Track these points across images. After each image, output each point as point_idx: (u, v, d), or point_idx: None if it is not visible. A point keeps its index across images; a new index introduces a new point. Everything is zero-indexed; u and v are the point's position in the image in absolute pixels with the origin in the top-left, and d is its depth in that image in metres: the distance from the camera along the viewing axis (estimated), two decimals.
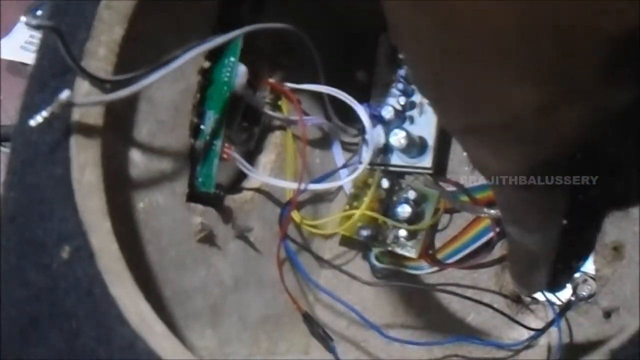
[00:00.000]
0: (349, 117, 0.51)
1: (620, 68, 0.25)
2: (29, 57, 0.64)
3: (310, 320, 0.52)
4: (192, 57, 0.40)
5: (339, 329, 0.53)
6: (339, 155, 0.54)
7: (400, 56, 0.50)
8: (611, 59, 0.24)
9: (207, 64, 0.45)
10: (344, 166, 0.53)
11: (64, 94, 0.37)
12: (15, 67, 0.68)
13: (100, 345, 0.35)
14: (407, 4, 0.26)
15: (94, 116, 0.39)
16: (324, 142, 0.54)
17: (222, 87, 0.46)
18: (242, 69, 0.46)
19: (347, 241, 0.54)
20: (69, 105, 0.37)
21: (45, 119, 0.37)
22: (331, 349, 0.51)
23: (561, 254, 0.43)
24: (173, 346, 0.34)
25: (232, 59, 0.46)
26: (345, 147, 0.54)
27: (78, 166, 0.37)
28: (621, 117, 0.28)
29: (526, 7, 0.23)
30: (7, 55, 0.71)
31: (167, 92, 0.43)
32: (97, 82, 0.38)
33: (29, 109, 0.40)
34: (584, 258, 0.48)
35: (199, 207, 0.46)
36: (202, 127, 0.45)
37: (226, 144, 0.46)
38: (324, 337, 0.52)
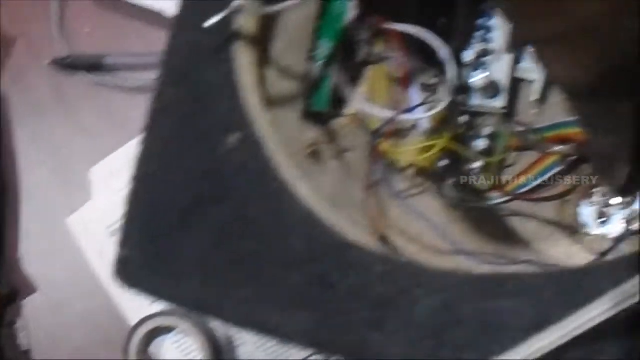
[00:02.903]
0: (429, 59, 0.56)
1: None
2: None
3: (386, 243, 0.56)
4: None
5: (410, 254, 0.58)
6: (416, 94, 0.58)
7: None
8: None
9: None
10: (424, 103, 0.57)
11: (236, 2, 0.41)
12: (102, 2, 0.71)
13: (272, 218, 0.39)
14: None
15: (251, 25, 0.43)
16: (404, 82, 0.58)
17: (336, 18, 0.50)
18: (352, 2, 0.51)
19: (422, 173, 0.59)
20: (239, 10, 0.41)
21: (217, 21, 0.41)
22: None
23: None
24: (340, 220, 0.38)
25: None
26: (422, 87, 0.59)
27: (240, 66, 0.42)
28: None
29: None
30: None
31: (295, 16, 0.48)
32: None
33: (186, 19, 0.44)
34: None
35: (311, 124, 0.50)
36: (316, 52, 0.50)
37: None
38: None
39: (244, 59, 0.42)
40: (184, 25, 0.45)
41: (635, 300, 0.30)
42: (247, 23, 0.42)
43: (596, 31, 0.31)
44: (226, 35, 0.42)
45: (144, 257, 0.42)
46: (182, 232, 0.41)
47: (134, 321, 0.64)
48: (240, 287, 0.39)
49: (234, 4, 0.41)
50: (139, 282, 0.42)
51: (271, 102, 0.47)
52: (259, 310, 0.38)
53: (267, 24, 0.46)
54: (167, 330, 0.63)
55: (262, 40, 0.45)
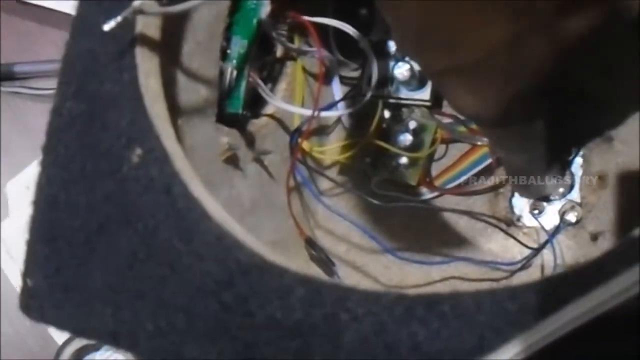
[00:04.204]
0: (349, 52, 0.54)
1: (571, 3, 0.29)
2: None
3: (312, 245, 0.54)
4: None
5: (339, 254, 0.56)
6: (337, 88, 0.56)
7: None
8: None
9: None
10: (346, 97, 0.55)
11: (137, 2, 0.38)
12: (9, 6, 0.67)
13: (183, 241, 0.36)
14: None
15: (154, 28, 0.40)
16: (324, 77, 0.56)
17: (250, 14, 0.47)
18: None
19: (346, 171, 0.56)
20: (139, 12, 0.38)
21: (117, 25, 0.38)
22: (332, 273, 0.54)
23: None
24: (256, 240, 0.36)
25: None
26: (344, 81, 0.56)
27: (144, 73, 0.38)
28: (589, 51, 0.32)
29: None
30: None
31: (204, 15, 0.45)
32: None
33: (83, 23, 0.41)
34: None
35: (226, 128, 0.47)
36: (228, 51, 0.47)
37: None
38: (325, 261, 0.54)
39: (146, 65, 0.39)
40: (81, 30, 0.41)
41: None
42: (149, 26, 0.39)
43: (494, 62, 0.31)
44: (126, 40, 0.39)
45: (49, 288, 0.39)
46: (89, 260, 0.38)
47: (60, 340, 0.62)
48: (153, 316, 0.36)
49: (134, 5, 0.38)
50: (47, 315, 0.39)
51: (183, 107, 0.44)
52: (174, 342, 0.35)
53: (173, 26, 0.42)
54: (95, 347, 0.61)
55: (168, 44, 0.41)
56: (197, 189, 0.36)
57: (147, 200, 0.37)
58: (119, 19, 0.37)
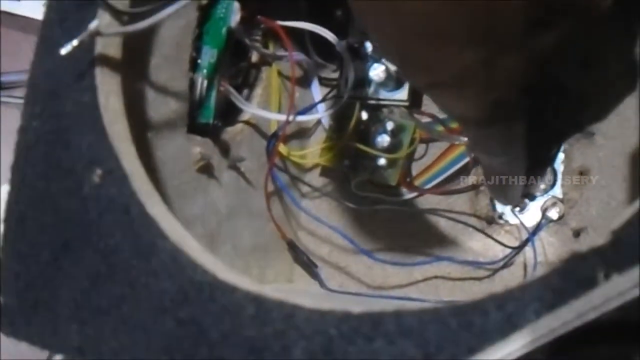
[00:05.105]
0: (326, 54, 0.54)
1: (537, 24, 0.30)
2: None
3: (294, 248, 0.55)
4: None
5: (322, 255, 0.56)
6: (316, 90, 0.56)
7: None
8: (528, 19, 0.30)
9: (205, 1, 0.47)
10: (324, 100, 0.55)
11: (93, 24, 0.38)
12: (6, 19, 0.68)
13: (140, 260, 0.36)
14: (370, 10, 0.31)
15: (114, 47, 0.40)
16: (302, 79, 0.56)
17: (219, 23, 0.48)
18: (236, 5, 0.48)
19: (327, 173, 0.57)
20: (96, 34, 0.38)
21: (74, 47, 0.38)
22: (315, 275, 0.55)
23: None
24: (210, 258, 0.36)
25: None
26: (323, 82, 0.56)
27: (104, 93, 0.39)
28: (560, 53, 0.34)
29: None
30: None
31: (170, 27, 0.45)
32: (117, 14, 0.40)
33: (48, 42, 0.42)
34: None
35: (198, 138, 0.48)
36: (199, 61, 0.47)
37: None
38: (308, 263, 0.55)
39: (107, 85, 0.39)
40: (44, 50, 0.42)
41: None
42: (109, 45, 0.40)
43: (472, 78, 0.32)
44: (87, 60, 0.39)
45: (20, 304, 0.40)
46: (55, 277, 0.39)
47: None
48: (116, 333, 0.37)
49: (90, 28, 0.38)
50: (18, 330, 0.40)
51: (152, 121, 0.45)
52: (137, 358, 0.36)
53: (138, 41, 0.43)
54: None
55: (132, 59, 0.42)
56: (154, 208, 0.37)
57: (108, 220, 0.37)
58: (75, 42, 0.38)
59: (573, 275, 0.30)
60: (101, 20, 0.39)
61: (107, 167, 0.38)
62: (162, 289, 0.36)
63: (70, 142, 0.39)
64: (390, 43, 0.33)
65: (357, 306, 0.32)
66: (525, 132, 0.40)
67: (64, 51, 0.38)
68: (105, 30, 0.39)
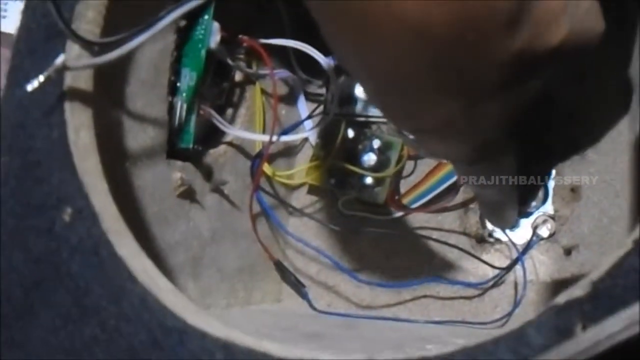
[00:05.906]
0: (313, 70, 0.53)
1: (516, 77, 0.29)
2: None
3: (282, 268, 0.54)
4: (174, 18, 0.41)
5: (310, 274, 0.55)
6: (303, 108, 0.55)
7: None
8: (506, 73, 0.29)
9: (183, 23, 0.46)
10: (309, 117, 0.54)
11: (60, 58, 0.37)
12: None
13: (110, 303, 0.36)
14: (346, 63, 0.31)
15: (85, 79, 0.39)
16: (289, 96, 0.55)
17: (197, 45, 0.47)
18: (215, 26, 0.47)
19: (315, 191, 0.56)
20: (64, 69, 0.37)
21: (41, 83, 0.37)
22: (303, 295, 0.54)
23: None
24: (180, 300, 0.35)
25: (207, 17, 0.46)
26: (310, 98, 0.55)
27: (74, 128, 0.38)
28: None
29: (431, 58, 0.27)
30: None
31: (147, 52, 0.44)
32: (87, 45, 0.39)
33: (17, 74, 0.40)
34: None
35: (178, 163, 0.47)
36: (178, 84, 0.46)
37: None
38: (296, 284, 0.54)
39: (77, 120, 0.38)
40: (14, 82, 0.41)
41: None
42: (78, 78, 0.38)
43: (455, 126, 0.31)
44: (55, 94, 0.38)
45: None
46: (27, 318, 0.38)
47: None
48: None
49: (56, 63, 0.37)
50: None
51: (129, 149, 0.44)
52: None
53: (112, 68, 0.42)
54: None
55: (107, 88, 0.41)
56: (124, 249, 0.36)
57: (78, 261, 0.37)
58: (41, 78, 0.37)
59: (550, 327, 0.29)
60: (70, 52, 0.38)
61: (77, 206, 0.37)
62: (132, 332, 0.35)
63: (41, 179, 0.38)
64: (371, 92, 0.33)
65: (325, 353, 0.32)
66: (515, 163, 0.40)
67: (29, 87, 0.37)
68: (74, 63, 0.38)
